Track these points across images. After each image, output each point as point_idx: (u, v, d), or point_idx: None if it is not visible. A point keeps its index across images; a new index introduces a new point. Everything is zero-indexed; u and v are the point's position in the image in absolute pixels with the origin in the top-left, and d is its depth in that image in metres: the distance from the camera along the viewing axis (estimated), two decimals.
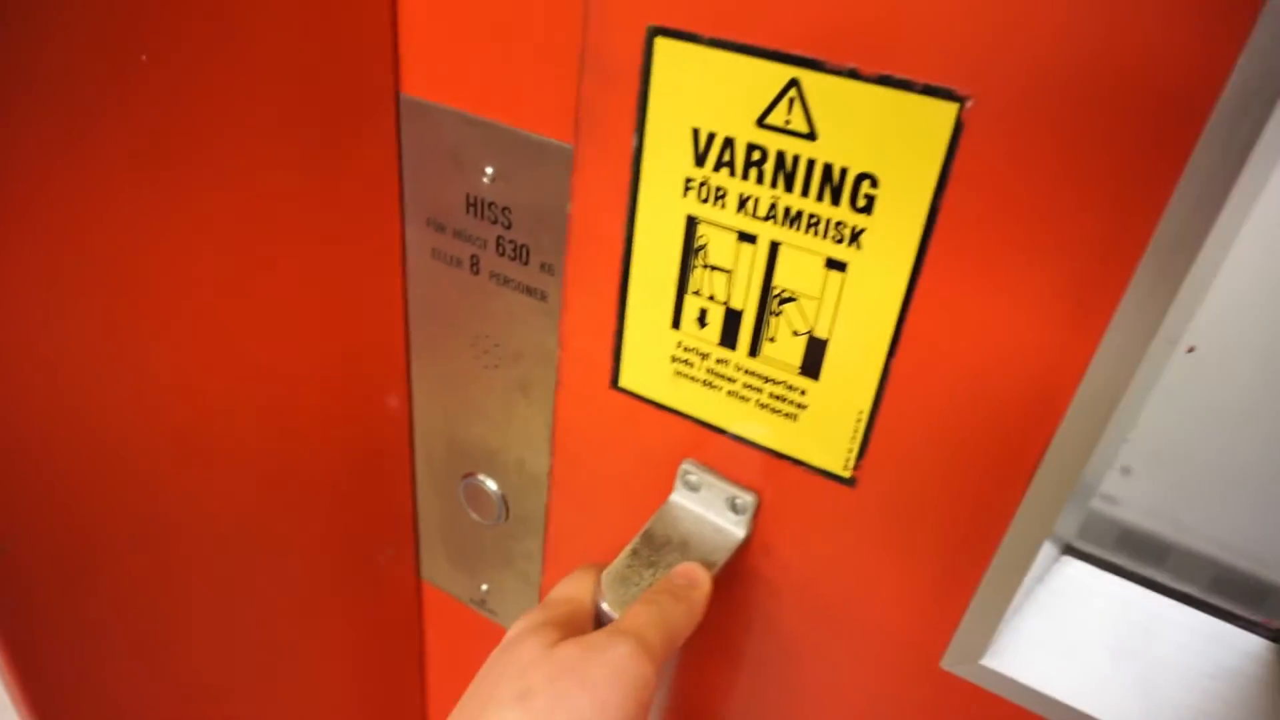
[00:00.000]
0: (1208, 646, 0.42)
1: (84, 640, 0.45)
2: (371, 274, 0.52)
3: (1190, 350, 0.40)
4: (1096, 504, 0.47)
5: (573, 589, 0.43)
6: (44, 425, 0.39)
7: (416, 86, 0.48)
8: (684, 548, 0.44)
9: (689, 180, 0.39)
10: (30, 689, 0.42)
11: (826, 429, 0.40)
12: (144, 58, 0.36)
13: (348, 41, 0.45)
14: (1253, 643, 0.42)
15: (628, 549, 0.44)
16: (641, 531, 0.45)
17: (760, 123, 0.36)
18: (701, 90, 0.37)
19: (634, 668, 0.36)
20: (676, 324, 0.42)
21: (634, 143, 0.39)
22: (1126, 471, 0.45)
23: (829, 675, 0.47)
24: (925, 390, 0.38)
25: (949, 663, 0.41)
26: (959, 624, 0.40)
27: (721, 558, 0.44)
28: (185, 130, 0.39)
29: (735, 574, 0.47)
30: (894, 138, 0.34)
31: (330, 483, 0.56)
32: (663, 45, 0.37)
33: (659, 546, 0.44)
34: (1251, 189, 0.32)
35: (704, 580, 0.42)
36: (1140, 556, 0.45)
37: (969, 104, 0.32)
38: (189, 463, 0.46)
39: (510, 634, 0.41)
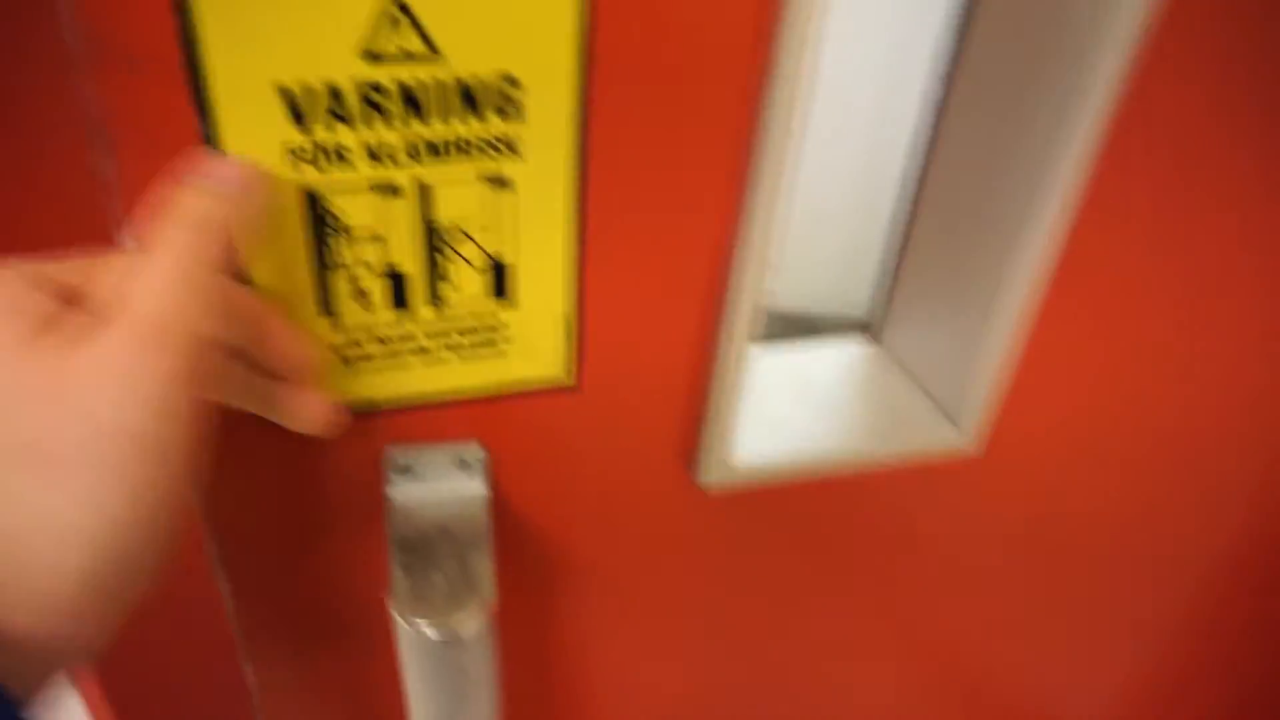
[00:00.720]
0: (838, 358, 0.53)
1: None
2: None
3: None
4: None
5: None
6: None
7: None
8: (445, 532, 0.40)
9: (294, 149, 0.32)
10: None
11: (538, 347, 0.39)
12: None
13: None
14: (856, 345, 0.54)
15: (397, 571, 0.38)
16: (393, 548, 0.39)
17: (366, 55, 0.30)
18: (277, 38, 0.29)
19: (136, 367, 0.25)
20: (330, 311, 0.36)
21: (201, 130, 0.30)
22: None
23: (611, 554, 0.49)
24: (621, 268, 0.38)
25: (706, 476, 0.45)
26: (701, 442, 0.44)
27: (484, 520, 0.41)
28: None
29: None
30: (523, 24, 0.31)
31: None
32: None
33: (421, 548, 0.39)
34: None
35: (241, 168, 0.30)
36: (792, 331, 0.53)
37: None
38: None
39: None
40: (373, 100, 0.31)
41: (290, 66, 0.30)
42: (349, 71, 0.30)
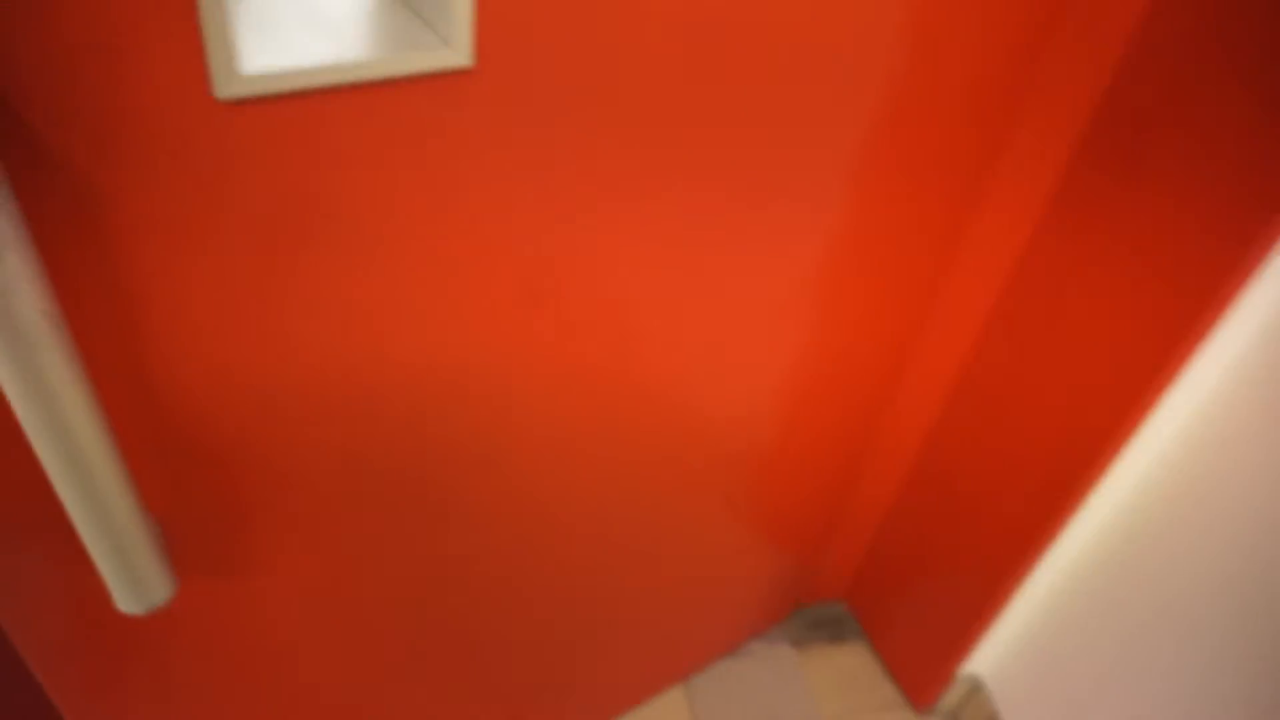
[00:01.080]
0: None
1: None
2: None
3: None
4: None
5: None
6: None
7: None
8: None
9: None
10: None
11: None
12: None
13: None
14: None
15: None
16: None
17: None
18: None
19: None
20: None
21: None
22: None
23: (143, 180, 0.51)
24: None
25: (218, 91, 0.49)
26: (205, 53, 0.48)
27: None
28: None
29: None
30: None
31: None
32: None
33: None
34: None
35: None
36: None
37: None
38: None
39: None
40: None
41: None
42: None
